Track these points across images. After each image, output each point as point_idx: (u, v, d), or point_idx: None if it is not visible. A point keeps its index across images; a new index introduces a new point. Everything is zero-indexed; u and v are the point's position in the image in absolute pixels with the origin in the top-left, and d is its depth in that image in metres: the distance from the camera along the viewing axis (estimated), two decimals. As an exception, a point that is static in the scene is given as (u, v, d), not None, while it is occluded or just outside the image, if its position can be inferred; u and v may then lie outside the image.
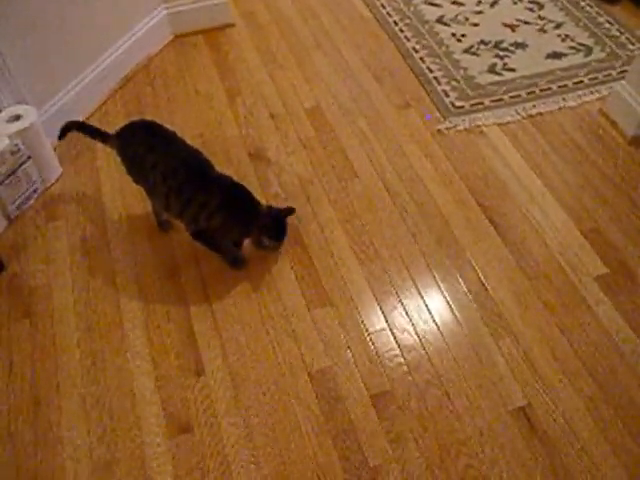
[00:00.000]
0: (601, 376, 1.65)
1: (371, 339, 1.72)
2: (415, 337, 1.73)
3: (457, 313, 1.77)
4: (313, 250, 1.91)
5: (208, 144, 2.16)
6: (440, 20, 2.69)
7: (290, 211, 1.80)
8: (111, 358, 1.68)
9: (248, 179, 2.07)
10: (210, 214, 1.71)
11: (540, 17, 2.69)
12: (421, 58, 2.52)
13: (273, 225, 1.77)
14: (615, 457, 1.52)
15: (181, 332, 1.73)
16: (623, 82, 2.27)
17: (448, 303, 1.80)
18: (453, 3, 2.77)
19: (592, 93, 2.39)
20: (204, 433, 1.55)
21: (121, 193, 2.05)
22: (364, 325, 1.75)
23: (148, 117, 2.21)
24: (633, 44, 2.58)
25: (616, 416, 1.59)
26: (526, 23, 2.66)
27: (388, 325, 1.75)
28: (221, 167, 1.79)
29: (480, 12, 2.72)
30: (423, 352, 1.70)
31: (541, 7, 2.74)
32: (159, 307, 1.78)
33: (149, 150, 1.71)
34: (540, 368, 1.67)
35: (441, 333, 1.74)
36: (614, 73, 2.46)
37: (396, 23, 2.68)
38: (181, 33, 2.61)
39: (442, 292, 1.82)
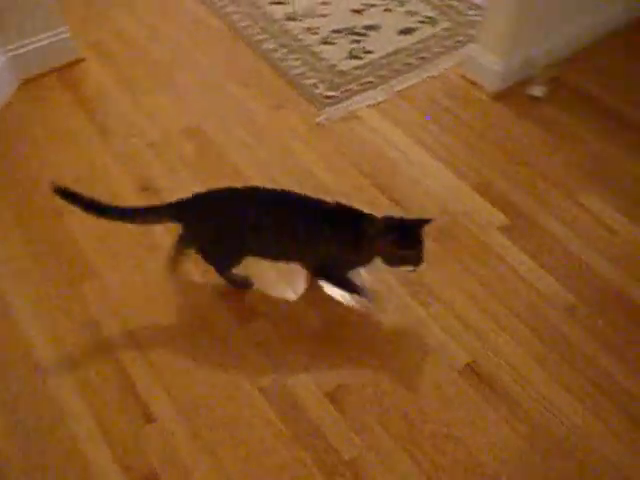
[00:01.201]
0: (528, 316, 1.76)
1: (311, 339, 1.73)
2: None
3: (384, 294, 1.81)
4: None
5: (89, 187, 2.06)
6: (290, 17, 2.73)
7: (423, 221, 1.59)
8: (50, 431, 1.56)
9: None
10: (325, 243, 1.63)
11: (383, -2, 2.81)
12: (281, 57, 2.54)
13: (399, 235, 1.57)
14: (564, 390, 1.62)
15: (118, 384, 1.64)
16: (474, 45, 2.42)
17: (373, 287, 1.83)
18: (298, -2, 2.82)
19: (449, 60, 2.52)
20: (172, 477, 1.49)
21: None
22: (300, 327, 1.75)
23: (17, 173, 2.08)
24: (471, 9, 2.75)
25: (552, 351, 1.69)
26: (372, 6, 2.76)
27: (323, 321, 1.76)
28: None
29: (327, 3, 2.79)
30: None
31: (382, -12, 2.86)
32: (89, 365, 1.68)
33: (239, 213, 1.63)
34: (473, 324, 1.74)
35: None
36: (463, 39, 2.61)
37: (248, 28, 2.68)
38: (29, 77, 2.45)
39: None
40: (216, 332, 1.74)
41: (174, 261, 1.83)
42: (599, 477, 1.49)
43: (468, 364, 1.67)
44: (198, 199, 1.65)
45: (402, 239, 1.56)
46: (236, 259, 1.74)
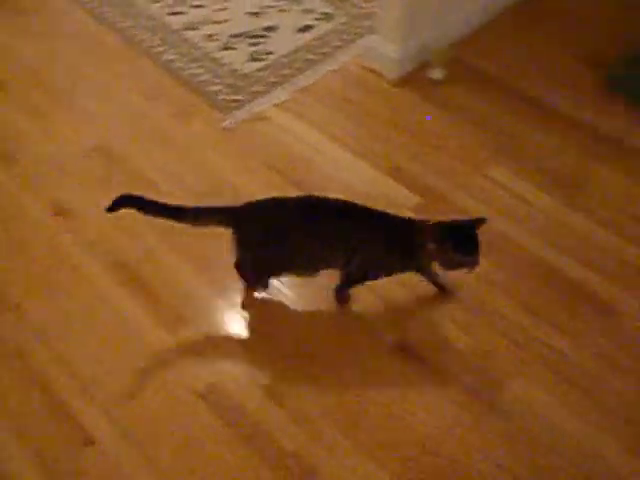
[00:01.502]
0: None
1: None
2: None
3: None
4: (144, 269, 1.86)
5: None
6: (188, 27, 2.72)
7: (478, 222, 1.57)
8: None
9: (58, 239, 1.95)
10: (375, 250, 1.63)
11: (279, -1, 2.84)
12: (183, 67, 2.53)
13: (457, 241, 1.55)
14: (492, 355, 1.69)
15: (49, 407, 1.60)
16: (371, 35, 2.48)
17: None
18: (194, 7, 2.81)
19: (349, 53, 2.57)
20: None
21: None
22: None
23: None
24: (366, 1, 2.81)
25: (476, 317, 1.76)
26: (269, 7, 2.78)
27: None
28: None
29: (223, 9, 2.79)
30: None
31: (276, -10, 2.89)
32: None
33: (290, 221, 1.62)
34: (395, 302, 1.79)
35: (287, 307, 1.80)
36: (360, 30, 2.66)
37: (147, 40, 2.65)
38: None
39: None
40: (148, 344, 1.72)
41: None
42: (537, 437, 1.56)
43: (398, 343, 1.71)
44: (252, 207, 1.65)
45: (460, 245, 1.55)
46: (278, 272, 1.75)
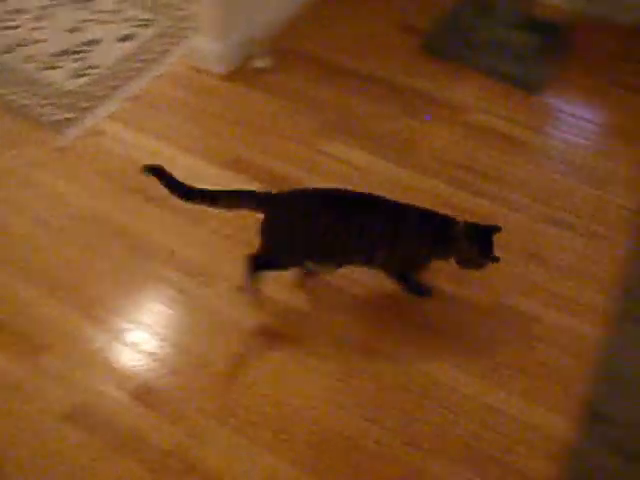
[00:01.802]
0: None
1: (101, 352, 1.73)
2: (150, 333, 1.78)
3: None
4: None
5: None
6: (4, 50, 2.62)
7: (496, 229, 1.67)
8: None
9: None
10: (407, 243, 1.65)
11: (96, 11, 2.79)
12: (4, 93, 2.44)
13: (482, 243, 1.65)
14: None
15: None
16: (195, 35, 2.51)
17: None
18: (8, 29, 2.72)
19: (175, 55, 2.59)
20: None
21: None
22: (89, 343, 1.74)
23: None
24: (182, 9, 2.82)
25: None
26: (86, 21, 2.74)
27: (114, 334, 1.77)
28: None
29: (39, 28, 2.72)
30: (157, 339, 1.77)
31: (93, 2, 2.84)
32: None
33: (321, 212, 1.62)
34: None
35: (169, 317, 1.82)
36: (184, 32, 2.68)
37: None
38: None
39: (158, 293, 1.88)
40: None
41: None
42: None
43: (256, 327, 1.77)
44: (286, 195, 1.68)
45: (484, 247, 1.65)
46: (301, 260, 1.74)
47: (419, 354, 1.74)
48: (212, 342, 1.75)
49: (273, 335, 1.77)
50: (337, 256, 1.70)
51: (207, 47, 2.47)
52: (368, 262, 1.71)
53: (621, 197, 2.17)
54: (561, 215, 2.09)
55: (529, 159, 2.31)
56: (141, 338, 1.76)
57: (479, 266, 1.70)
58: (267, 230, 1.66)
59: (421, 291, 1.83)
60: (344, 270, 1.79)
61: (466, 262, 1.69)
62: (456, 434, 1.59)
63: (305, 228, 1.65)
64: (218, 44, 2.46)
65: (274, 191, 1.72)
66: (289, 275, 1.84)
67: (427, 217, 1.69)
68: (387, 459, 1.54)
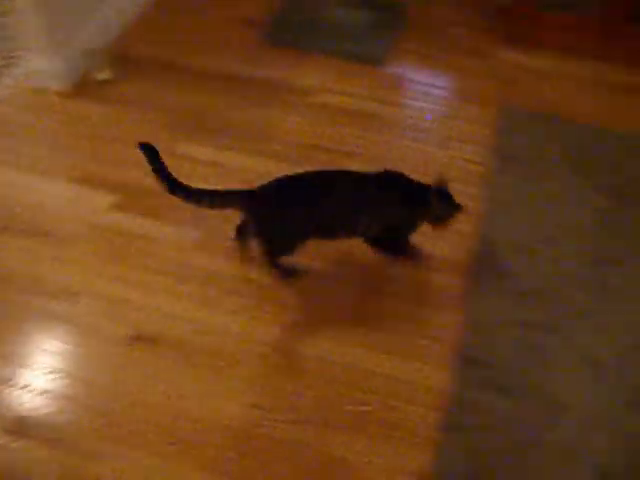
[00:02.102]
0: (176, 271, 1.89)
1: None
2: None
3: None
4: None
5: None
6: None
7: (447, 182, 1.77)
8: None
9: None
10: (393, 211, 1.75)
11: None
12: None
13: (447, 197, 1.77)
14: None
15: None
16: (31, 57, 2.41)
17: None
18: None
19: (9, 78, 2.48)
20: None
21: None
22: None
23: None
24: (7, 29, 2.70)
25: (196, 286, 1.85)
26: None
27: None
28: None
29: None
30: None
31: None
32: None
33: (310, 194, 1.69)
34: (123, 297, 1.82)
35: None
36: (15, 54, 2.56)
37: None
38: None
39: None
40: None
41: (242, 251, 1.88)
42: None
43: (129, 335, 1.74)
44: (267, 188, 1.70)
45: (452, 202, 1.77)
46: (301, 243, 1.76)
47: (292, 333, 1.78)
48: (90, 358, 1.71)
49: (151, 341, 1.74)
50: (335, 232, 1.78)
51: (42, 66, 2.39)
52: (353, 233, 1.80)
53: (466, 152, 2.29)
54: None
55: (381, 130, 2.39)
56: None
57: (449, 220, 1.80)
58: (263, 227, 1.73)
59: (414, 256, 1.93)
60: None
61: (439, 220, 1.81)
62: (342, 405, 1.64)
63: (297, 213, 1.70)
64: (52, 61, 2.37)
65: (254, 188, 1.72)
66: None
67: (405, 186, 1.78)
68: (282, 443, 1.56)
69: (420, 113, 2.48)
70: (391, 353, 1.74)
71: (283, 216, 1.71)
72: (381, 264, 1.94)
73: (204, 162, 2.20)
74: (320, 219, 1.73)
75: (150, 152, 1.64)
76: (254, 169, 2.17)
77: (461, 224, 1.99)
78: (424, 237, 1.91)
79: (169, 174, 1.65)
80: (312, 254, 1.90)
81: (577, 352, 1.76)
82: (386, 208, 1.76)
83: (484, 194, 2.15)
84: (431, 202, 1.75)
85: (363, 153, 2.27)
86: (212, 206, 1.72)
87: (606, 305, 1.88)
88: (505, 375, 1.71)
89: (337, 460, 1.54)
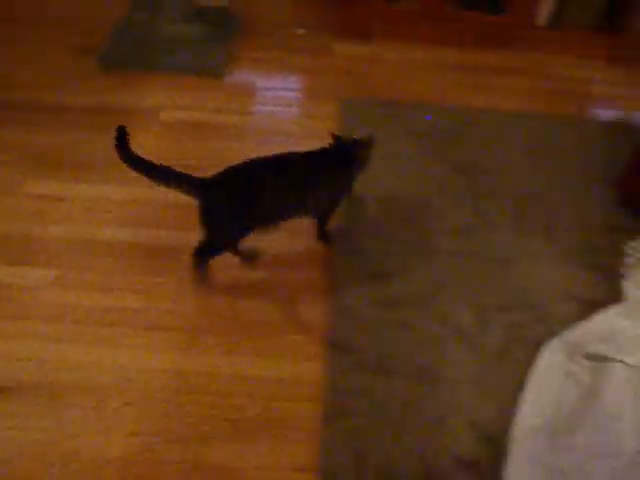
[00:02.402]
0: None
1: None
2: None
3: None
4: None
5: None
6: None
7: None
8: None
9: None
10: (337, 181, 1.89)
11: None
12: None
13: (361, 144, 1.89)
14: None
15: None
16: None
17: None
18: None
19: None
20: None
21: None
22: None
23: None
24: None
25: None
26: None
27: None
28: None
29: None
30: None
31: None
32: None
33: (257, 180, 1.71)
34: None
35: None
36: None
37: None
38: None
39: None
40: None
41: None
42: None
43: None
44: (220, 177, 1.71)
45: (368, 144, 1.89)
46: (248, 231, 1.80)
47: (162, 354, 1.76)
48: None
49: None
50: (278, 217, 1.82)
51: None
52: (303, 212, 1.89)
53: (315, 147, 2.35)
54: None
55: (235, 139, 2.40)
56: None
57: (369, 158, 1.93)
58: (211, 214, 1.72)
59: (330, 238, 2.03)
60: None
61: (364, 165, 1.92)
62: (223, 415, 1.63)
63: (248, 199, 1.71)
64: None
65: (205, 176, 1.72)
66: None
67: (336, 151, 1.88)
68: (165, 464, 1.54)
69: (271, 117, 2.51)
70: (265, 355, 1.76)
71: (232, 208, 1.73)
72: (245, 270, 1.96)
73: (49, 199, 2.13)
74: (272, 204, 1.77)
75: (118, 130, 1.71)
76: (108, 197, 2.13)
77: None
78: (280, 235, 1.95)
79: (128, 148, 1.72)
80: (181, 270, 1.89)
81: (441, 322, 1.85)
82: (332, 176, 1.86)
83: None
84: (357, 154, 1.88)
85: (214, 163, 2.27)
86: (167, 184, 1.71)
87: (461, 273, 1.98)
88: (377, 356, 1.76)
89: (224, 471, 1.54)
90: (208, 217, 1.73)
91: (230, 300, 1.88)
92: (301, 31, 2.98)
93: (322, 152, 1.87)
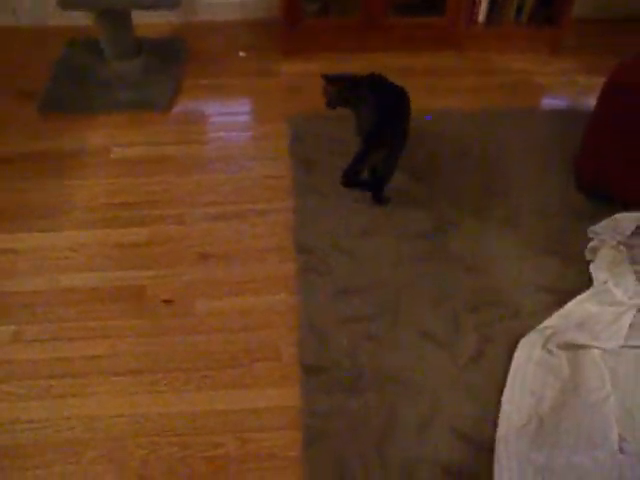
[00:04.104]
0: None
1: None
2: None
3: None
4: None
5: None
6: None
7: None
8: None
9: None
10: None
11: None
12: None
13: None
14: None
15: None
16: None
17: None
18: None
19: None
20: None
21: None
22: None
23: None
24: None
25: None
26: None
27: None
28: None
29: None
30: None
31: None
32: None
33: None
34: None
35: None
36: None
37: None
38: None
39: None
40: None
41: None
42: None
43: None
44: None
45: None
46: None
47: (119, 399, 1.70)
48: None
49: None
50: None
51: None
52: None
53: (269, 168, 2.33)
54: (227, 209, 2.18)
55: (185, 171, 2.35)
56: None
57: None
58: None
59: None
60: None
61: None
62: (198, 453, 1.58)
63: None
64: None
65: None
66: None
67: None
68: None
69: (222, 143, 2.48)
70: (236, 387, 1.71)
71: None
72: (206, 301, 1.91)
73: (4, 250, 2.06)
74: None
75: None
76: (59, 244, 2.07)
77: (279, 238, 2.02)
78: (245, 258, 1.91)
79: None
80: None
81: (410, 330, 1.82)
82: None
83: (293, 205, 2.18)
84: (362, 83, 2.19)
85: (171, 197, 2.23)
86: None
87: (424, 278, 1.95)
88: (349, 373, 1.72)
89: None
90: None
91: (194, 335, 1.83)
92: (243, 54, 2.96)
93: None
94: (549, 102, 2.75)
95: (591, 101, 2.15)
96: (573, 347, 1.73)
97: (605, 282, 1.90)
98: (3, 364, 1.76)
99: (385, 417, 1.63)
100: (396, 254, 2.03)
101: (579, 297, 1.88)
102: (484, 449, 1.55)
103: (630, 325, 1.77)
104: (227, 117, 2.63)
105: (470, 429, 1.60)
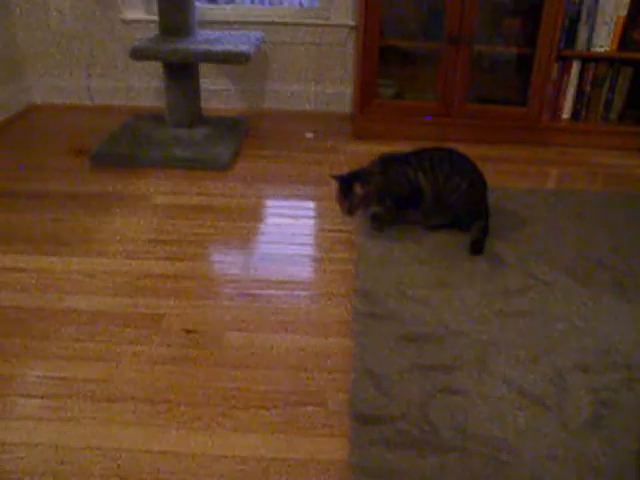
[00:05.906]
0: None
1: None
2: None
3: None
4: None
5: None
6: None
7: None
8: None
9: None
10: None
11: None
12: None
13: None
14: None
15: None
16: None
17: None
18: None
19: None
20: None
21: None
22: None
23: None
24: None
25: None
26: None
27: None
28: None
29: None
30: None
31: None
32: None
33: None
34: None
35: None
36: None
37: None
38: None
39: None
40: None
41: None
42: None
43: None
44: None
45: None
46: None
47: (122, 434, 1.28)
48: None
49: None
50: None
51: None
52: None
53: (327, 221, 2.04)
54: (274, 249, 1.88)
55: (227, 218, 2.09)
56: None
57: None
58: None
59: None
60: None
61: None
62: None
63: None
64: None
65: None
66: None
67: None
68: None
69: (277, 199, 2.24)
70: (274, 431, 1.27)
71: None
72: (247, 332, 1.53)
73: (17, 269, 1.78)
74: None
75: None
76: (80, 270, 1.78)
77: (339, 285, 1.69)
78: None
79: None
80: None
81: (496, 384, 1.38)
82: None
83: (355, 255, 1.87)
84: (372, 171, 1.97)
85: (214, 239, 1.96)
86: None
87: (521, 333, 1.55)
88: (420, 427, 1.27)
89: None
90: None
91: (229, 369, 1.44)
92: (310, 135, 2.82)
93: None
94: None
95: None
96: None
97: None
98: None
99: (469, 490, 1.16)
100: (479, 307, 1.64)
101: None
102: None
103: None
104: (283, 178, 2.41)
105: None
